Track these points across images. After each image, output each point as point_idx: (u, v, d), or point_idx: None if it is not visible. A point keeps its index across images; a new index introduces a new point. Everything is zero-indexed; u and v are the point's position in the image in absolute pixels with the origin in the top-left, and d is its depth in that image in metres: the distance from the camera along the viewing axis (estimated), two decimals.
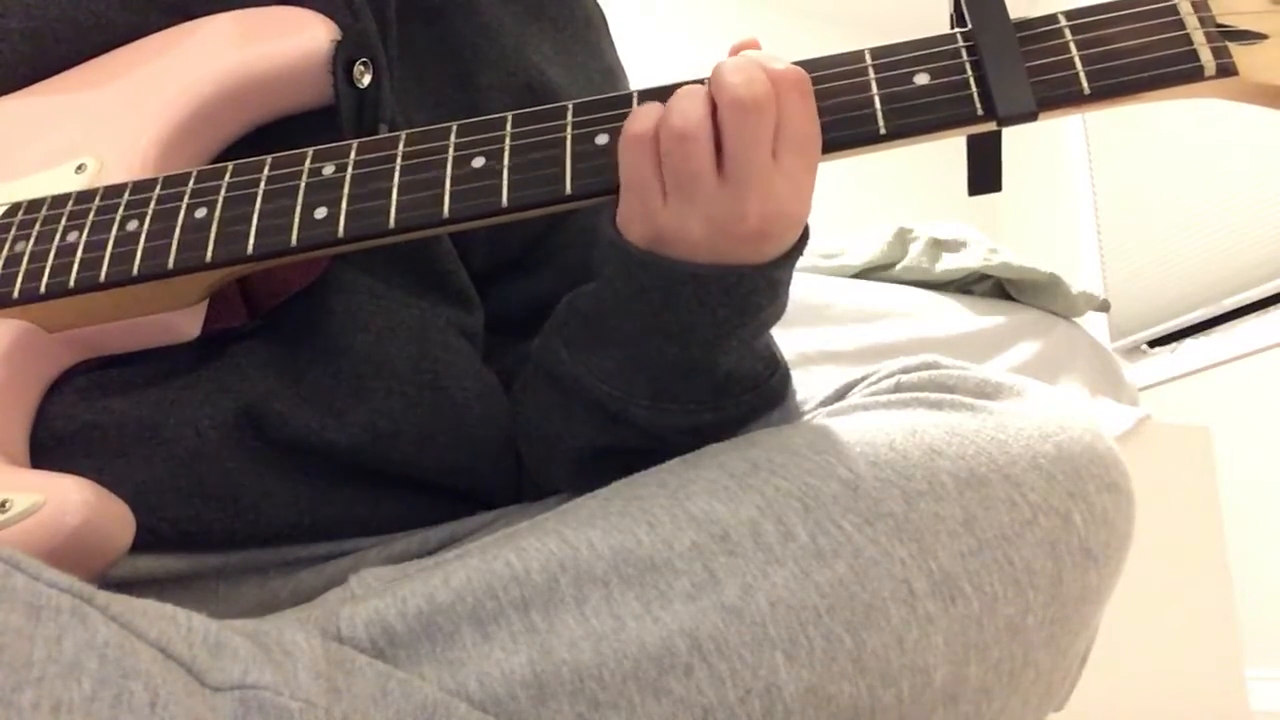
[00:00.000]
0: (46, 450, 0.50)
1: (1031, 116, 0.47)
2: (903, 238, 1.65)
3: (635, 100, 0.50)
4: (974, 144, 0.52)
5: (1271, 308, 2.67)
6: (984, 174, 0.53)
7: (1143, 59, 0.47)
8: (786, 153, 0.47)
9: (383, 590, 0.46)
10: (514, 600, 0.44)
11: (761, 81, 0.46)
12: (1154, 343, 3.03)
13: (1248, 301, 2.73)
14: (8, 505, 0.44)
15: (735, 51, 0.50)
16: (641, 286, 0.49)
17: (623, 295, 0.50)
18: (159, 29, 0.58)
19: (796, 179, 0.47)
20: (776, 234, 0.48)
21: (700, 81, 0.50)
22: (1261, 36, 0.47)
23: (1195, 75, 0.47)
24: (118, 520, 0.46)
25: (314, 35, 0.55)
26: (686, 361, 0.51)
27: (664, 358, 0.51)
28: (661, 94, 0.50)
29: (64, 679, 0.33)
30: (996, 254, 1.63)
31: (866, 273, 1.61)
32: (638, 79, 0.63)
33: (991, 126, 0.48)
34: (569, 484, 0.59)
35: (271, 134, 0.57)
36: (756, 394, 0.54)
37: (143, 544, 0.48)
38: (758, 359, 0.54)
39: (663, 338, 0.50)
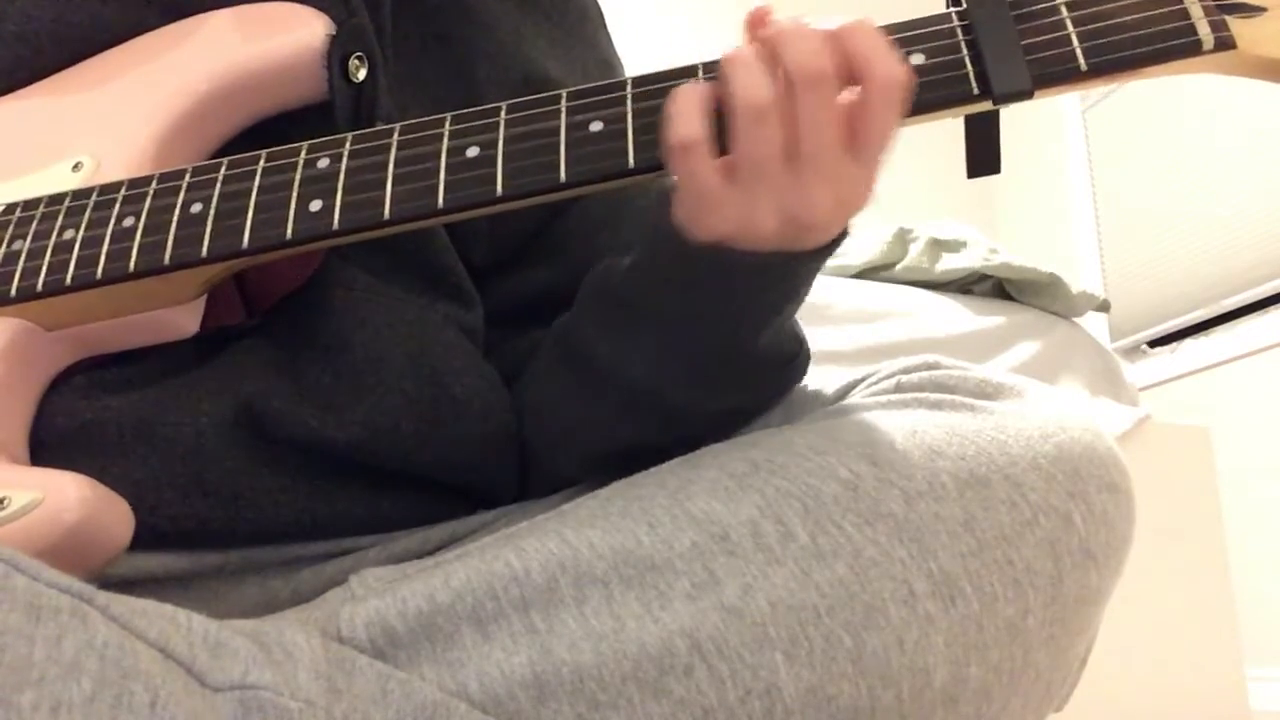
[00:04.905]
0: (46, 448, 0.50)
1: (1027, 94, 0.47)
2: (903, 238, 1.65)
3: (629, 87, 0.49)
4: (972, 125, 0.52)
5: (1271, 308, 2.67)
6: (983, 155, 0.52)
7: (1140, 34, 0.47)
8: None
9: (383, 590, 0.46)
10: (514, 600, 0.44)
11: (824, 52, 0.45)
12: (1154, 343, 3.03)
13: (1248, 301, 2.73)
14: (6, 502, 0.44)
15: (751, 19, 0.48)
16: (698, 278, 0.49)
17: (674, 284, 0.50)
18: (155, 28, 0.58)
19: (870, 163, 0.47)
20: (842, 222, 0.47)
21: (700, 66, 0.49)
22: (1260, 9, 0.47)
23: (1193, 49, 0.46)
24: (116, 517, 0.46)
25: (309, 31, 0.55)
26: (728, 345, 0.51)
27: (706, 342, 0.51)
28: (653, 81, 0.49)
29: (64, 679, 0.32)
30: (996, 254, 1.63)
31: (866, 273, 1.61)
32: (634, 71, 0.63)
33: (988, 106, 0.48)
34: (578, 473, 0.59)
35: (268, 130, 0.56)
36: (784, 372, 0.55)
37: (142, 542, 0.48)
38: (787, 338, 0.54)
39: (709, 324, 0.50)
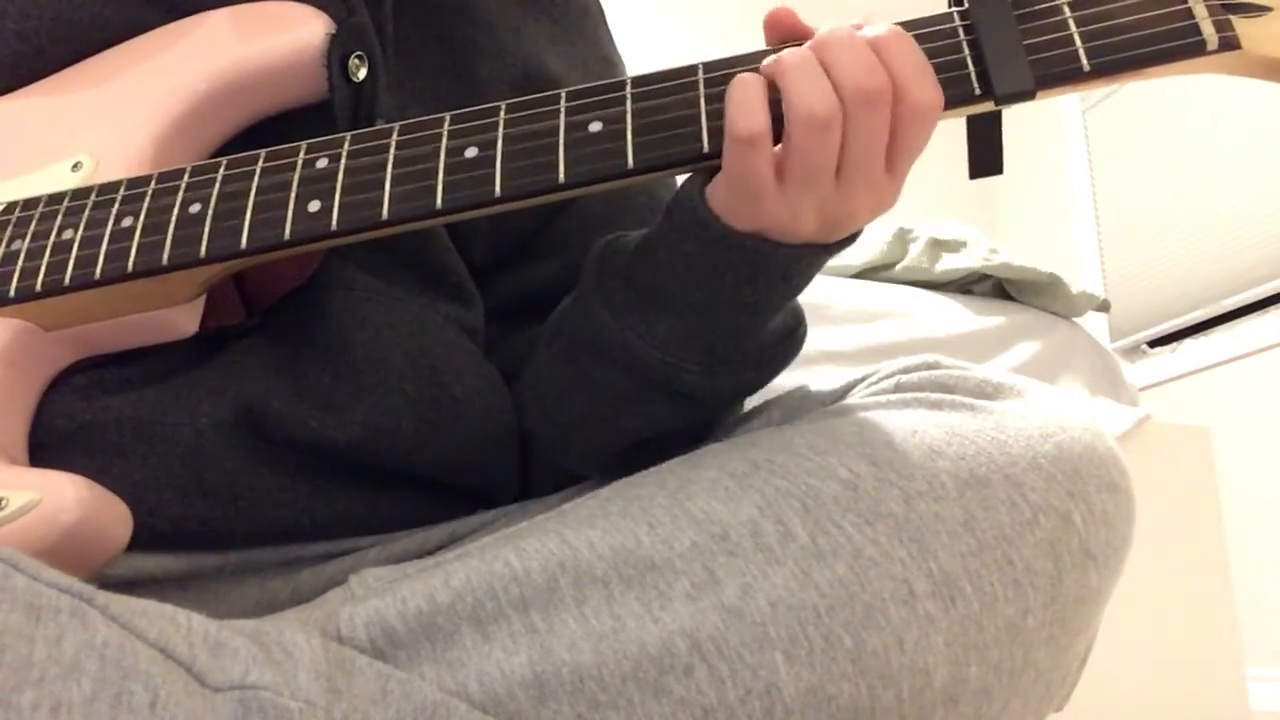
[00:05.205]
0: (45, 449, 0.50)
1: (1029, 95, 0.47)
2: (903, 238, 1.64)
3: (628, 87, 0.49)
4: (974, 125, 0.52)
5: (1271, 308, 2.67)
6: (985, 156, 0.52)
7: (1143, 34, 0.46)
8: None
9: (383, 590, 0.46)
10: (514, 600, 0.44)
11: (880, 69, 0.45)
12: (1154, 343, 3.03)
13: (1248, 301, 2.73)
14: (4, 503, 0.44)
15: (774, 21, 0.49)
16: (731, 264, 0.49)
17: (702, 269, 0.50)
18: (155, 27, 0.58)
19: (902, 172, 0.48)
20: (870, 221, 0.49)
21: (700, 66, 0.49)
22: (1265, 9, 0.46)
23: (1198, 50, 0.46)
24: (114, 518, 0.46)
25: (309, 30, 0.55)
26: (748, 326, 0.52)
27: (727, 324, 0.51)
28: (653, 81, 0.49)
29: (64, 680, 0.32)
30: (997, 254, 1.63)
31: (866, 273, 1.61)
32: (635, 68, 0.63)
33: (989, 106, 0.48)
34: (582, 468, 0.60)
35: (268, 130, 0.56)
36: (787, 346, 0.56)
37: (141, 543, 0.48)
38: (790, 313, 0.55)
39: (729, 308, 0.51)
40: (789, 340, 0.56)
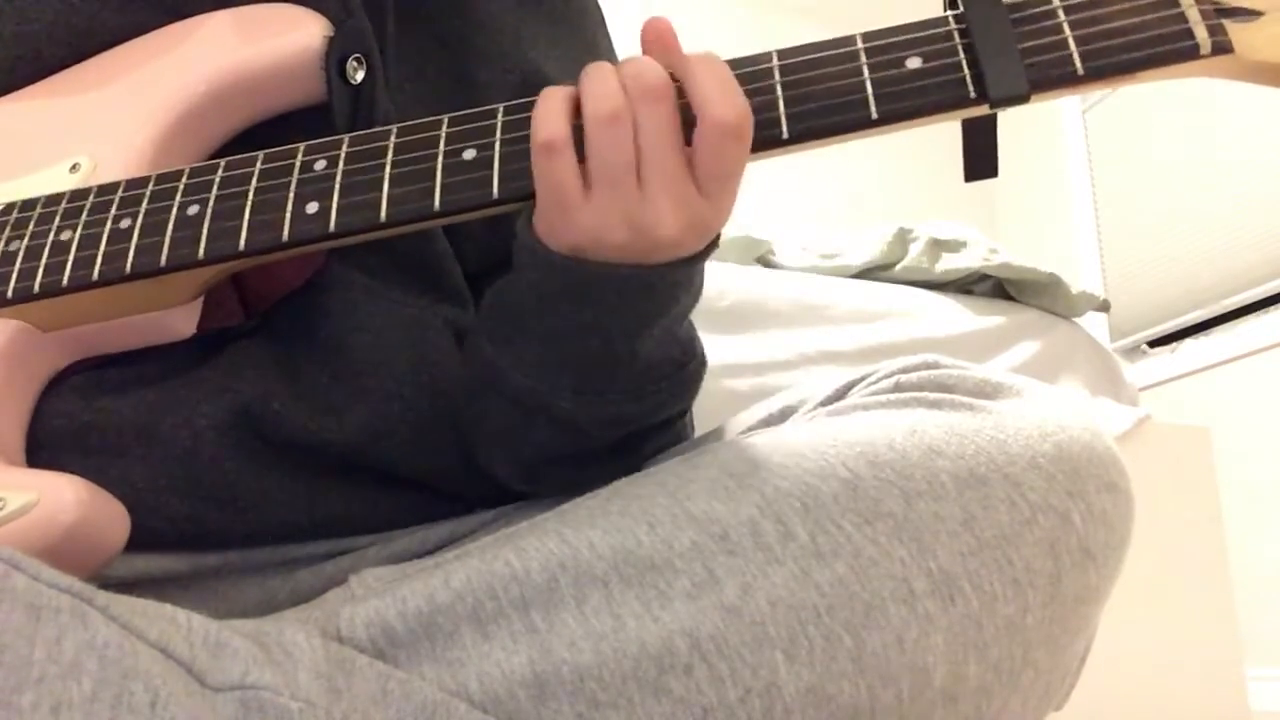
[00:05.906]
0: (44, 450, 0.50)
1: (1024, 98, 0.47)
2: (903, 238, 1.64)
3: None
4: (969, 129, 0.52)
5: (1271, 308, 2.67)
6: (980, 160, 0.52)
7: (1137, 38, 0.47)
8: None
9: (383, 590, 0.46)
10: (514, 600, 0.44)
11: (663, 70, 0.46)
12: (1154, 343, 3.03)
13: (1248, 301, 2.73)
14: (3, 504, 0.44)
15: (647, 30, 0.50)
16: (563, 286, 0.49)
17: (544, 295, 0.50)
18: (154, 29, 0.58)
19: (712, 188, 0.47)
20: (693, 243, 0.48)
21: None
22: (1257, 14, 0.47)
23: (1190, 54, 0.46)
24: (112, 518, 0.46)
25: (307, 32, 0.55)
26: (609, 353, 0.51)
27: (586, 350, 0.51)
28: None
29: (64, 680, 0.33)
30: (997, 254, 1.63)
31: (866, 273, 1.61)
32: None
33: (984, 109, 0.48)
34: (512, 481, 0.59)
35: (267, 132, 0.56)
36: (674, 381, 0.55)
37: (141, 544, 0.48)
38: (676, 345, 0.54)
39: (586, 332, 0.50)
40: (678, 375, 0.55)
